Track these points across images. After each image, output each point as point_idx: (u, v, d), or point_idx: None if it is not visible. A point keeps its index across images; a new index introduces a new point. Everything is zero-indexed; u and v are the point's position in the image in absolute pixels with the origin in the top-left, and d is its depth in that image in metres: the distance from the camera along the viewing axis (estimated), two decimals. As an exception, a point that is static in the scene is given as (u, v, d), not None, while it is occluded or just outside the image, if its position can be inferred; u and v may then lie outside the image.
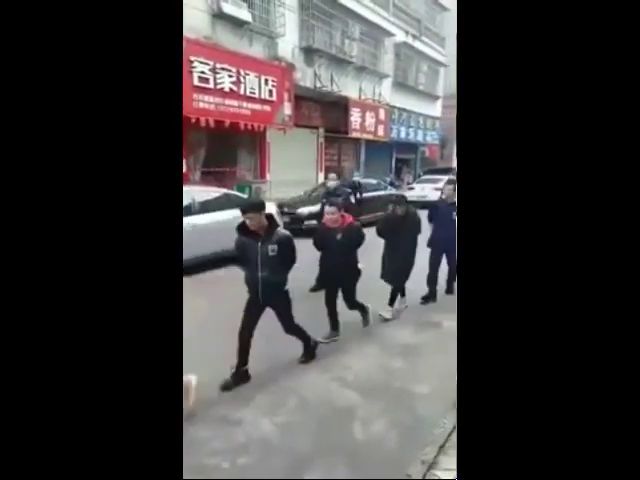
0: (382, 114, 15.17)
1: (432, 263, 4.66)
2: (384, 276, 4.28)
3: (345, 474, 2.13)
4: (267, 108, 10.24)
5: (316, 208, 7.18)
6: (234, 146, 10.72)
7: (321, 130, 13.44)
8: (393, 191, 11.08)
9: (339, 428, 2.49)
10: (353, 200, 8.03)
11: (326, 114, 13.19)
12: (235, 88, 9.26)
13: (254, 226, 2.73)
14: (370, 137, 14.80)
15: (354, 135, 13.95)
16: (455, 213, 4.43)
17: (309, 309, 3.51)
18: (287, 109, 10.81)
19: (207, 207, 5.95)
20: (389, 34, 15.34)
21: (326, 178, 6.37)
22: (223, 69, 8.95)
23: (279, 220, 6.97)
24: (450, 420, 2.47)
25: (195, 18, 8.50)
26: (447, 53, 19.74)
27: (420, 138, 19.13)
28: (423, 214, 4.75)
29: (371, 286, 4.11)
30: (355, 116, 13.63)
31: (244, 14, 9.54)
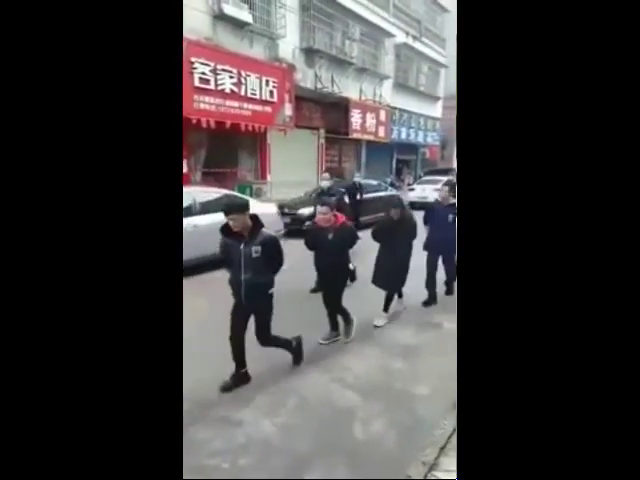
0: (383, 115, 15.18)
1: (429, 266, 4.59)
2: (375, 280, 4.15)
3: (346, 475, 2.13)
4: (268, 109, 10.25)
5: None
6: (235, 147, 10.73)
7: (322, 131, 13.46)
8: (394, 192, 11.09)
9: (340, 429, 2.49)
10: (347, 200, 7.98)
11: (327, 115, 13.21)
12: (236, 89, 9.27)
13: (237, 227, 2.64)
14: (371, 138, 14.81)
15: (355, 136, 13.96)
16: (451, 215, 4.36)
17: (309, 310, 3.50)
18: (288, 110, 10.82)
19: (208, 208, 5.95)
20: (389, 35, 15.36)
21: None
22: (224, 70, 8.96)
23: (279, 220, 7.00)
24: (450, 421, 2.47)
25: (196, 19, 8.52)
26: (448, 54, 19.75)
27: (421, 139, 19.14)
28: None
29: (369, 290, 4.09)
30: (356, 117, 13.64)
31: (245, 15, 9.56)
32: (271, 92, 10.23)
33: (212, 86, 8.74)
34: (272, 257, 2.79)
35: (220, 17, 9.15)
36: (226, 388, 2.87)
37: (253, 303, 2.81)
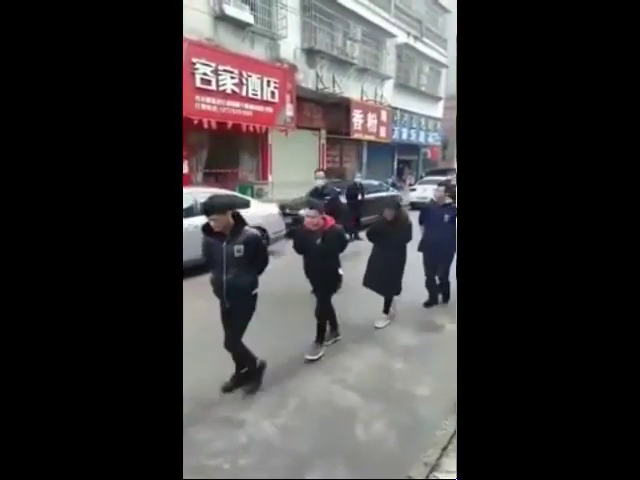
0: (384, 115, 15.17)
1: (427, 267, 4.52)
2: (366, 282, 4.03)
3: (347, 475, 2.12)
4: (269, 109, 10.26)
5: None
6: (236, 147, 10.74)
7: (323, 131, 13.45)
8: (395, 192, 11.08)
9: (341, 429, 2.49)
10: (346, 200, 7.89)
11: (328, 115, 13.20)
12: (237, 90, 9.28)
13: (218, 227, 2.55)
14: (372, 138, 14.80)
15: (356, 136, 13.95)
16: (447, 215, 4.29)
17: (309, 310, 3.50)
18: (289, 110, 10.82)
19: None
20: (391, 35, 15.35)
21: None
22: (225, 71, 8.97)
23: (281, 221, 6.99)
24: (452, 422, 2.46)
25: (197, 20, 8.53)
26: (449, 54, 19.74)
27: (422, 139, 19.11)
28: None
29: (370, 291, 4.08)
30: (357, 117, 13.63)
31: (246, 16, 9.56)
32: (272, 93, 10.23)
33: (213, 87, 8.74)
34: (255, 256, 2.69)
35: (221, 18, 9.16)
36: (227, 389, 2.87)
37: (234, 304, 2.72)
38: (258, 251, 2.72)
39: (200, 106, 8.52)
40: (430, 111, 19.60)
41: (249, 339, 2.86)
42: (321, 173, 5.84)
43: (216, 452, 2.28)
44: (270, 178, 11.40)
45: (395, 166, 18.45)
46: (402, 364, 3.30)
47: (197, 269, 5.59)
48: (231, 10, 9.19)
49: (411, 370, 3.20)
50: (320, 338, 3.42)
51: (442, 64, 20.20)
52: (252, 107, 9.76)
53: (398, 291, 4.04)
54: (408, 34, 16.86)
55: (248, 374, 2.90)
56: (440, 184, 4.69)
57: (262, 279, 2.83)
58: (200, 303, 4.38)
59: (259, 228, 6.73)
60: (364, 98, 14.37)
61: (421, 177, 16.71)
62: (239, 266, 2.62)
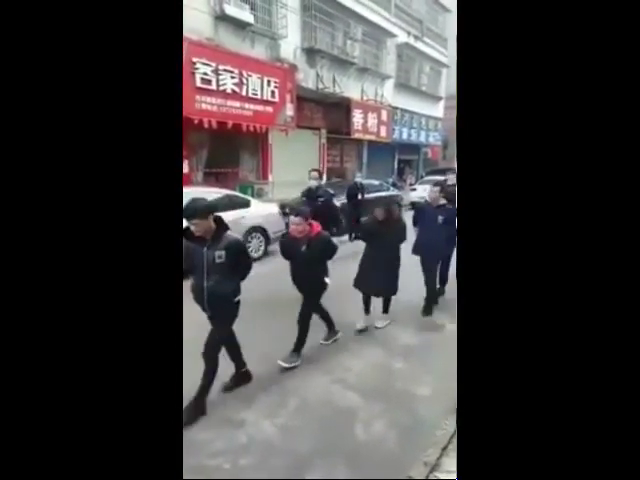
0: (384, 115, 15.15)
1: (424, 267, 4.39)
2: (356, 283, 3.94)
3: (347, 475, 2.13)
4: (269, 109, 10.25)
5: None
6: (236, 147, 10.74)
7: (323, 131, 13.44)
8: (396, 192, 11.08)
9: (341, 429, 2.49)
10: (338, 203, 7.73)
11: (328, 115, 13.19)
12: (237, 89, 9.27)
13: (199, 232, 2.47)
14: (372, 138, 14.78)
15: (356, 136, 13.94)
16: (441, 216, 4.18)
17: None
18: (289, 110, 10.82)
19: (209, 208, 5.94)
20: (391, 35, 15.33)
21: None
22: (225, 70, 8.97)
23: (281, 221, 6.99)
24: (452, 422, 2.46)
25: (197, 20, 8.53)
26: (449, 54, 19.72)
27: (422, 139, 19.09)
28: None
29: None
30: (357, 117, 13.62)
31: (246, 16, 9.56)
32: (272, 92, 10.23)
33: (214, 86, 8.74)
34: (237, 262, 2.59)
35: (221, 17, 9.16)
36: (227, 388, 2.87)
37: (215, 312, 2.63)
38: (240, 257, 2.62)
39: (200, 106, 8.52)
40: (431, 111, 19.58)
41: (248, 341, 2.86)
42: (315, 173, 5.47)
43: (216, 452, 2.29)
44: (270, 178, 11.39)
45: (395, 166, 18.44)
46: (402, 364, 3.31)
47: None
48: (231, 10, 9.19)
49: (411, 370, 3.21)
50: (298, 346, 3.27)
51: (443, 64, 20.18)
52: (252, 107, 9.75)
53: (394, 292, 3.97)
54: (408, 33, 16.84)
55: (204, 383, 2.61)
56: (435, 184, 4.55)
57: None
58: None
59: (259, 227, 6.77)
60: (364, 98, 14.35)
61: (422, 177, 16.69)
62: (220, 272, 2.53)
